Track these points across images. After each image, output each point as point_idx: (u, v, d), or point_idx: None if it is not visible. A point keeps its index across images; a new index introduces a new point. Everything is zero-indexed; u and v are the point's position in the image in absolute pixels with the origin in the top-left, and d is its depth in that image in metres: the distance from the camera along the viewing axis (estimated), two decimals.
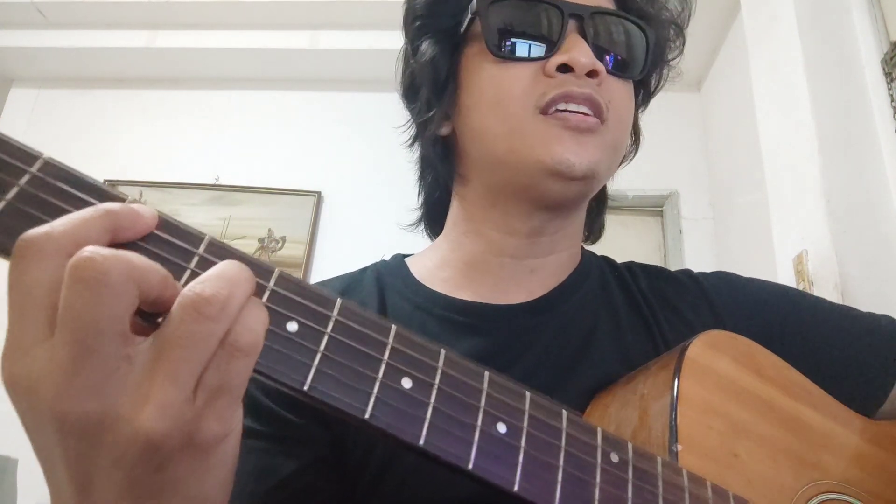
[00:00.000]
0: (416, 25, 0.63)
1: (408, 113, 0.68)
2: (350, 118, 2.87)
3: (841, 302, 1.41)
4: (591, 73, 0.54)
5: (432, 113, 0.62)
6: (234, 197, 2.74)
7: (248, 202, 2.73)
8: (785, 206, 1.70)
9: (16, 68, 2.99)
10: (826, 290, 1.44)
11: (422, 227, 0.75)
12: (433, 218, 0.72)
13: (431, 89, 0.61)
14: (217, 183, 2.77)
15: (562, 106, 0.54)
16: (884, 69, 1.53)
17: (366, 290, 0.62)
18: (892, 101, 1.48)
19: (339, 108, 2.91)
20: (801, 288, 1.53)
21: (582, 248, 0.69)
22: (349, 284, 0.63)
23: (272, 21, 2.78)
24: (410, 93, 0.66)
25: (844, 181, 1.49)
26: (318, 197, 2.72)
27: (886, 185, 1.46)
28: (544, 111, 0.54)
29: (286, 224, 2.68)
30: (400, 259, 0.67)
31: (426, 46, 0.61)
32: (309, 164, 2.80)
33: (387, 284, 0.63)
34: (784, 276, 1.63)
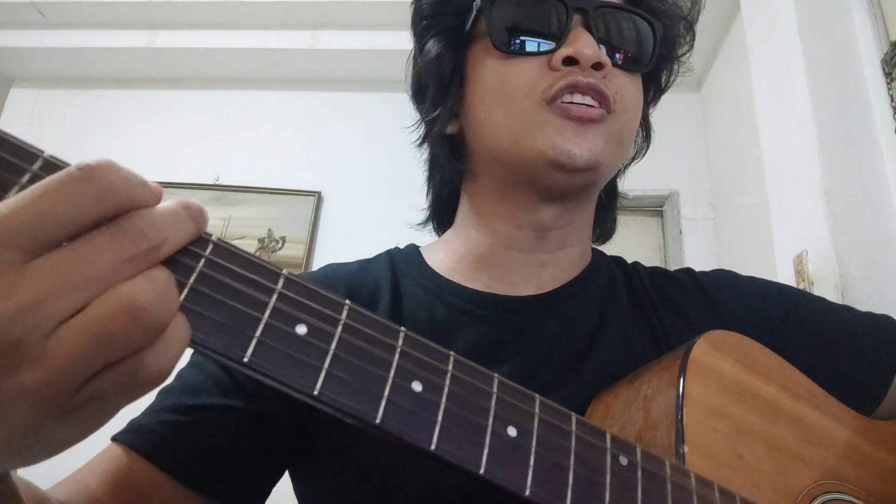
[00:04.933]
0: (423, 25, 0.63)
1: (417, 114, 0.68)
2: (350, 118, 2.87)
3: (841, 302, 1.41)
4: (597, 66, 0.54)
5: (438, 111, 0.62)
6: (234, 197, 2.74)
7: (248, 202, 2.73)
8: (785, 206, 1.69)
9: (16, 68, 2.98)
10: (826, 290, 1.44)
11: (430, 226, 0.75)
12: (441, 217, 0.72)
13: (437, 87, 0.62)
14: (217, 183, 2.76)
15: (567, 98, 0.54)
16: (884, 69, 1.52)
17: (379, 273, 0.63)
18: (892, 101, 1.48)
19: (339, 108, 2.90)
20: (800, 288, 1.53)
21: (592, 247, 0.69)
22: (364, 266, 0.64)
23: (272, 21, 2.77)
24: (419, 93, 0.66)
25: (844, 181, 1.49)
26: (318, 197, 2.72)
27: (886, 185, 1.46)
28: (550, 102, 0.54)
29: (286, 224, 2.67)
30: (414, 247, 0.68)
31: (431, 45, 0.62)
32: (309, 164, 2.80)
33: (400, 269, 0.63)
34: (784, 276, 1.63)
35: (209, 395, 0.53)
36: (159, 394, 0.54)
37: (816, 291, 1.47)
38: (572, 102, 0.54)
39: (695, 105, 2.74)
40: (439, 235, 0.74)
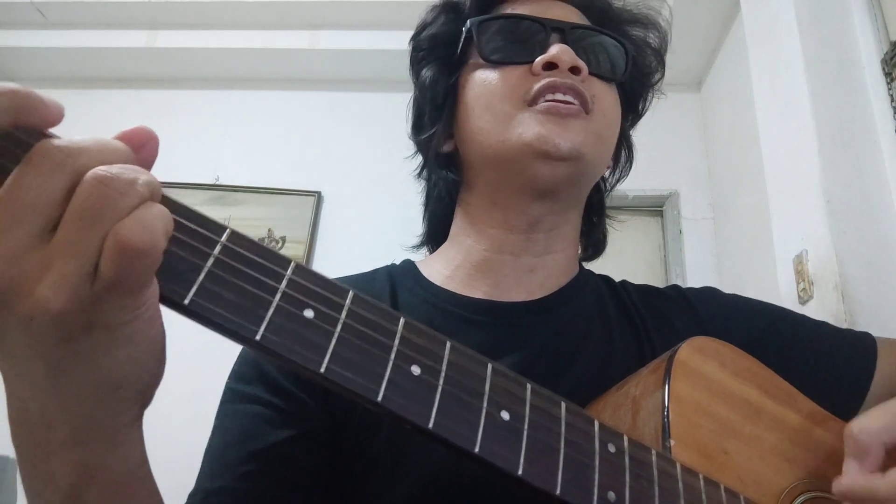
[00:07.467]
0: (419, 57, 0.71)
1: (415, 146, 0.74)
2: (350, 118, 2.88)
3: (841, 302, 1.41)
4: (574, 70, 0.60)
5: (435, 129, 0.68)
6: (234, 197, 2.74)
7: (248, 202, 2.73)
8: (785, 206, 1.69)
9: (16, 68, 2.99)
10: (826, 290, 1.44)
11: (424, 250, 0.79)
12: (437, 236, 0.76)
13: (433, 107, 0.69)
14: (217, 183, 2.77)
15: (549, 96, 0.59)
16: (884, 69, 1.52)
17: (378, 286, 0.67)
18: (892, 101, 1.48)
19: (339, 108, 2.91)
20: (801, 288, 1.53)
21: (580, 264, 0.73)
22: (362, 280, 0.68)
23: (272, 21, 2.78)
24: (418, 123, 0.73)
25: (844, 181, 1.49)
26: (318, 197, 2.72)
27: (886, 185, 1.46)
28: (531, 104, 0.60)
29: (286, 224, 2.68)
30: (410, 262, 0.73)
31: (427, 72, 0.69)
32: (309, 164, 2.80)
33: (398, 282, 0.67)
34: (784, 276, 1.63)
35: (267, 434, 0.54)
36: (207, 458, 0.55)
37: (816, 291, 1.47)
38: (554, 100, 0.59)
39: (695, 105, 2.75)
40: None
